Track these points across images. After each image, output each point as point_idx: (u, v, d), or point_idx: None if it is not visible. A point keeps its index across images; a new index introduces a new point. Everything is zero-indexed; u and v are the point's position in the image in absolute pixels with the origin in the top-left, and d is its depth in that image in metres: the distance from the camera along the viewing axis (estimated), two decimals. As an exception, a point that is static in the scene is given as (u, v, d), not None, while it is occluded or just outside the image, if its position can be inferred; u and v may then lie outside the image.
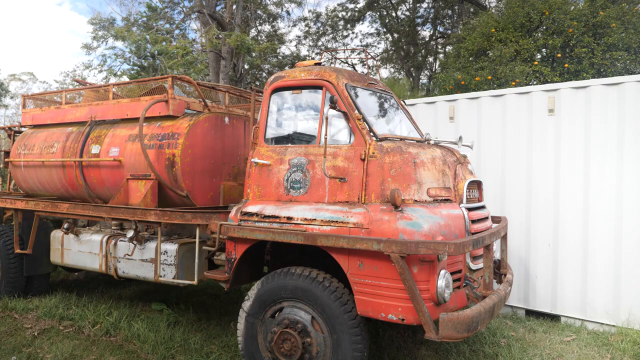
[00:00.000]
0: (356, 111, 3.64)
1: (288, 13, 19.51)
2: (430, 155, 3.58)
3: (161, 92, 5.13)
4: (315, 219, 3.50)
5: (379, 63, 20.31)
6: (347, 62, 18.78)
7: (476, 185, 3.89)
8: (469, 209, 3.63)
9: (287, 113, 4.12)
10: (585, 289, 5.25)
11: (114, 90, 5.64)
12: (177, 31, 17.03)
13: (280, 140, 4.04)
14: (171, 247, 4.63)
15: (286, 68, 17.26)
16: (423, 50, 20.37)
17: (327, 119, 3.46)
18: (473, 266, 3.69)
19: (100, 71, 17.36)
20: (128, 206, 4.77)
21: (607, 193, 5.12)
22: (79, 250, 5.45)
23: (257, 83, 19.17)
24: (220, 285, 4.24)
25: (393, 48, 20.98)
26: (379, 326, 4.91)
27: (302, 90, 3.92)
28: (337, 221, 3.40)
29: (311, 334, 3.47)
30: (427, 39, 20.63)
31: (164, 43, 13.60)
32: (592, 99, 5.25)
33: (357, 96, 3.82)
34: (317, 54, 20.29)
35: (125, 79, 18.13)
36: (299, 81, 3.91)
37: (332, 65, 4.54)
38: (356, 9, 20.17)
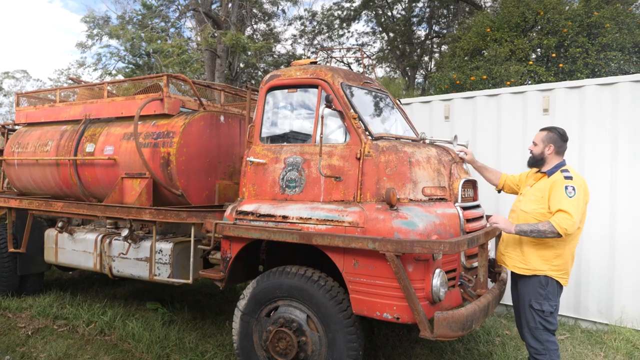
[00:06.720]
0: (352, 110, 3.64)
1: (284, 12, 19.53)
2: (425, 155, 3.59)
3: (156, 91, 5.10)
4: (310, 218, 3.50)
5: (374, 62, 20.31)
6: (342, 61, 18.77)
7: (471, 184, 3.90)
8: (464, 208, 3.64)
9: (283, 112, 4.11)
10: (578, 288, 5.28)
11: (108, 88, 5.61)
12: (172, 29, 16.98)
13: (275, 139, 4.03)
14: (166, 246, 4.61)
15: (282, 67, 17.23)
16: (418, 50, 20.38)
17: (322, 118, 3.45)
18: (468, 265, 3.70)
19: (95, 69, 17.27)
20: (123, 205, 4.75)
21: (600, 192, 5.14)
22: (73, 249, 5.42)
23: (253, 82, 19.12)
24: (215, 284, 4.23)
25: (388, 47, 20.98)
26: (374, 325, 4.92)
27: (298, 89, 3.92)
28: (332, 220, 3.40)
29: (306, 332, 3.47)
30: (422, 39, 20.65)
31: (159, 41, 13.54)
32: (586, 99, 5.29)
33: (352, 95, 3.81)
34: (312, 52, 20.26)
35: (120, 77, 18.04)
36: (294, 80, 3.90)
37: (328, 64, 4.53)
38: (352, 8, 20.15)
